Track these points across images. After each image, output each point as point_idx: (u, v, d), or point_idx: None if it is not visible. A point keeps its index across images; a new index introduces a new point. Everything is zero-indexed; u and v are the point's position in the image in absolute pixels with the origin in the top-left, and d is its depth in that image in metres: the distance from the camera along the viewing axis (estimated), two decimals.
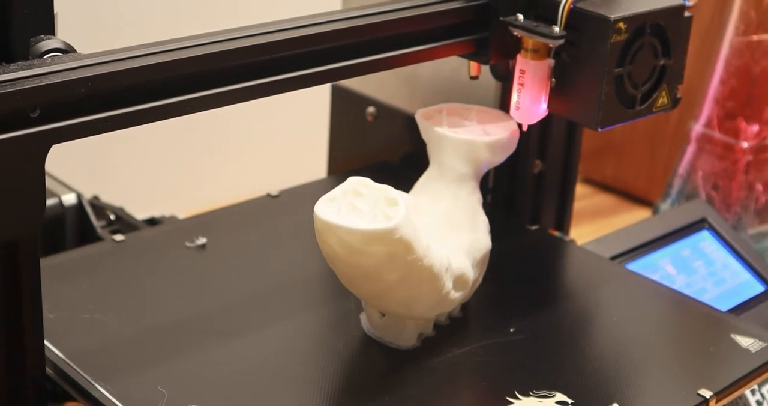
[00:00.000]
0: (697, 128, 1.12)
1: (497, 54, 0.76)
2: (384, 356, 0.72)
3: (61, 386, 0.68)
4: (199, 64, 0.63)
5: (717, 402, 0.70)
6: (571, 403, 0.68)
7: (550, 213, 0.95)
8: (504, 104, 0.85)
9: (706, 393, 0.69)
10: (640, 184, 1.31)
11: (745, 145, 1.10)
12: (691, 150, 1.13)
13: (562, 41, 0.73)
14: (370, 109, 0.98)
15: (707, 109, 1.12)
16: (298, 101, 1.31)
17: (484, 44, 0.76)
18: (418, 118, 0.77)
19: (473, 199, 0.76)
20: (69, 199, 0.92)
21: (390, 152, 0.97)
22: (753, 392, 0.85)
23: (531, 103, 0.75)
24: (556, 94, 0.75)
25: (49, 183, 0.93)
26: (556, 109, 0.76)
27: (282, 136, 1.32)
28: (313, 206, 0.66)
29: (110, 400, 0.65)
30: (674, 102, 0.78)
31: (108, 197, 0.98)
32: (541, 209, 0.94)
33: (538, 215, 0.94)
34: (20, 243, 0.60)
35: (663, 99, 0.77)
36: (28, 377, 0.63)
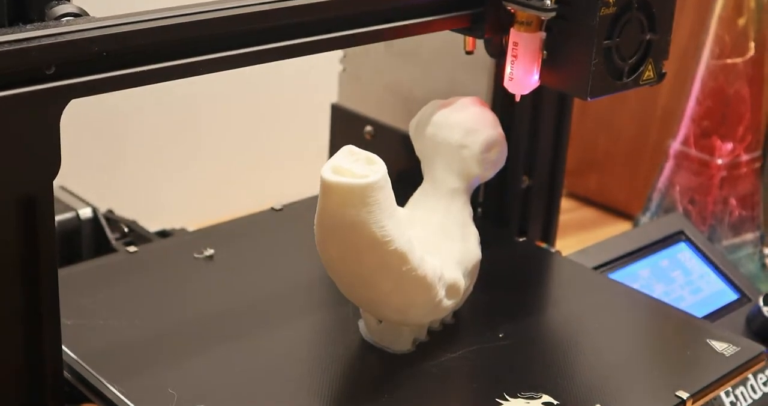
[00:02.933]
0: (675, 146, 1.13)
1: (491, 28, 0.76)
2: (381, 360, 0.72)
3: (77, 388, 0.68)
4: (207, 27, 0.63)
5: (693, 403, 0.70)
6: (557, 404, 0.68)
7: (537, 226, 0.95)
8: (498, 78, 0.84)
9: (684, 395, 0.69)
10: (621, 199, 1.31)
11: (719, 162, 1.10)
12: (669, 166, 1.13)
13: (553, 14, 0.72)
14: (368, 128, 0.99)
15: (684, 127, 1.12)
16: (300, 121, 1.31)
17: (478, 19, 0.75)
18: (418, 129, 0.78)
19: (464, 212, 0.76)
20: (85, 213, 0.92)
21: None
22: (727, 393, 0.85)
23: (524, 74, 0.75)
24: (547, 67, 0.75)
25: (66, 198, 0.93)
26: (547, 82, 0.75)
27: (285, 154, 1.32)
28: (314, 219, 0.66)
29: (123, 401, 0.65)
30: (659, 77, 0.77)
31: (122, 211, 0.98)
32: (528, 221, 0.94)
33: (525, 227, 0.94)
34: (36, 199, 0.59)
35: (649, 73, 0.76)
36: (47, 380, 0.63)
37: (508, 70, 0.75)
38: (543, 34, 0.74)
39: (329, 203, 0.64)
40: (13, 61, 0.56)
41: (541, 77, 0.75)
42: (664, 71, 0.77)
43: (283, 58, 0.67)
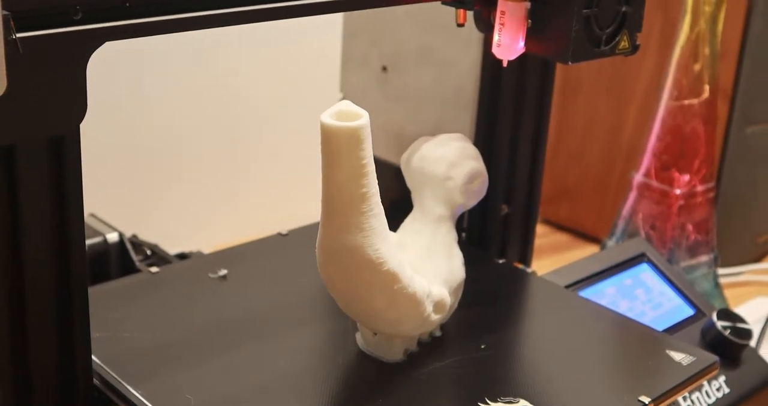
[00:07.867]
0: (638, 178, 1.13)
1: (481, 0, 0.75)
2: (376, 369, 0.72)
3: (105, 392, 0.68)
4: None
5: None
6: None
7: (515, 249, 0.95)
8: (486, 47, 0.84)
9: (645, 399, 0.70)
10: (590, 225, 1.31)
11: (677, 192, 1.11)
12: (632, 196, 1.14)
13: None
14: None
15: (646, 161, 1.12)
16: (304, 155, 1.32)
17: None
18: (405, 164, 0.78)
19: (450, 237, 0.77)
20: (112, 237, 0.92)
21: (380, 198, 0.97)
22: (684, 398, 0.85)
23: (510, 41, 0.74)
24: (532, 35, 0.74)
25: (95, 224, 0.94)
26: (532, 49, 0.75)
27: (291, 184, 1.32)
28: (315, 243, 0.67)
29: (145, 404, 0.65)
30: (634, 48, 0.76)
31: (145, 236, 0.99)
32: (507, 245, 0.94)
33: (504, 250, 0.94)
34: (64, 140, 0.58)
35: (624, 43, 0.75)
36: (78, 384, 0.64)
37: (496, 37, 0.74)
38: (528, 4, 0.73)
39: (326, 146, 0.63)
40: (42, 3, 0.54)
41: (526, 45, 0.74)
42: (638, 43, 0.76)
43: (288, 17, 0.65)
